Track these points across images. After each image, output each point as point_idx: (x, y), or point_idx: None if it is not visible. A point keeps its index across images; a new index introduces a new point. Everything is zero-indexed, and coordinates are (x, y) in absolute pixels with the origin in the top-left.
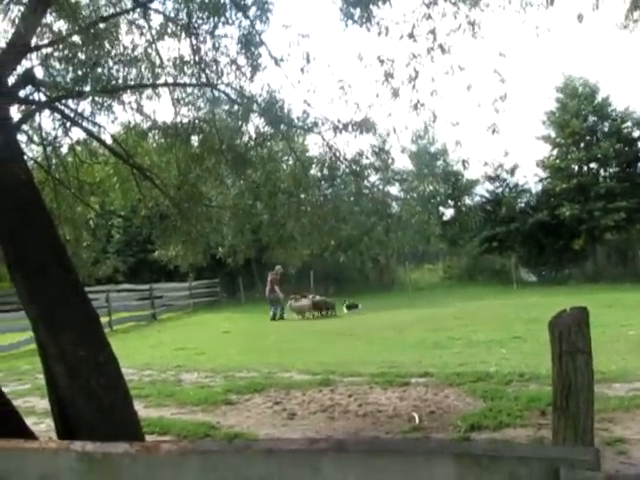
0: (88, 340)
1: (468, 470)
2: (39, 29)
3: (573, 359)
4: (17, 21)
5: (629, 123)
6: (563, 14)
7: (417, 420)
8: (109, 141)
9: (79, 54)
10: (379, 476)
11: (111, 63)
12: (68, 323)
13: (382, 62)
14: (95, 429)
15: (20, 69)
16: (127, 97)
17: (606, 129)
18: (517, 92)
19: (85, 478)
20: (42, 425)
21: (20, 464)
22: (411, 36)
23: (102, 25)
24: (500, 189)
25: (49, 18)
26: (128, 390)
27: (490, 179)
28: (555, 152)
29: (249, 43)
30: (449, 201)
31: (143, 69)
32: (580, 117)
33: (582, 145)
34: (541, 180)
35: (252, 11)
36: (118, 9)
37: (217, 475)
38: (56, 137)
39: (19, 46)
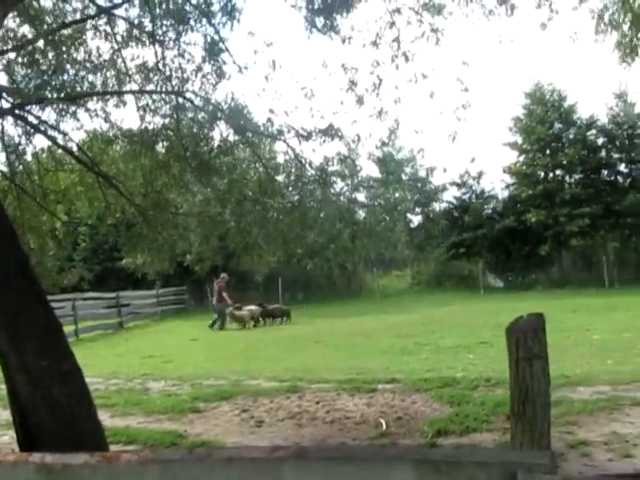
0: (51, 349)
1: (427, 476)
2: (1, 34)
3: (530, 365)
4: None
5: (593, 130)
6: (527, 22)
7: (384, 426)
8: (74, 149)
9: (42, 60)
10: None
11: (75, 70)
12: (30, 332)
13: (346, 70)
14: (58, 440)
15: None
16: (92, 104)
17: (571, 136)
18: (483, 99)
19: None
20: (5, 437)
21: None
22: (374, 44)
23: (66, 31)
24: (467, 195)
25: (12, 23)
26: (92, 400)
27: (457, 185)
28: (521, 158)
29: (214, 51)
30: (416, 208)
31: (108, 76)
32: (546, 124)
33: (548, 152)
34: (507, 186)
35: (217, 18)
36: (83, 15)
37: None
38: (19, 144)
39: None
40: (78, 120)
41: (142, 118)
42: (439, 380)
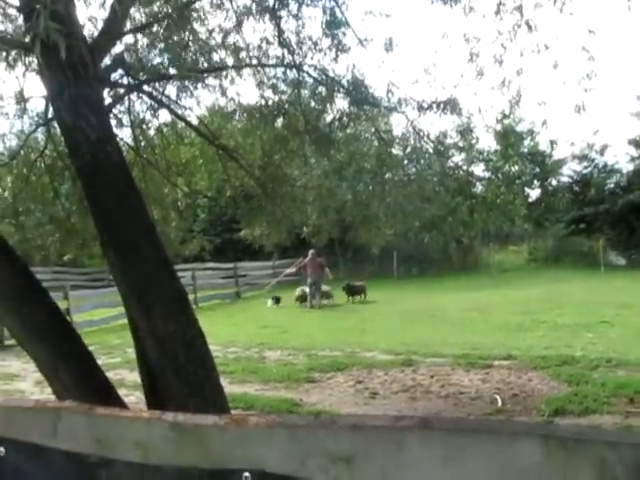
0: (177, 316)
1: (555, 452)
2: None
3: None
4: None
5: None
6: None
7: (500, 403)
8: (195, 123)
9: (165, 38)
10: (464, 454)
11: (197, 46)
12: (158, 298)
13: (467, 41)
14: (183, 402)
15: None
16: (212, 80)
17: None
18: (609, 68)
19: (176, 446)
20: (132, 397)
21: (118, 430)
22: (497, 13)
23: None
24: (589, 169)
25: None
26: (214, 365)
27: (578, 159)
28: None
29: (333, 24)
30: (535, 181)
31: (227, 52)
32: None
33: None
34: (633, 159)
35: None
36: None
37: (303, 448)
38: (144, 120)
39: (109, 35)
40: (198, 95)
41: (261, 93)
42: (557, 358)
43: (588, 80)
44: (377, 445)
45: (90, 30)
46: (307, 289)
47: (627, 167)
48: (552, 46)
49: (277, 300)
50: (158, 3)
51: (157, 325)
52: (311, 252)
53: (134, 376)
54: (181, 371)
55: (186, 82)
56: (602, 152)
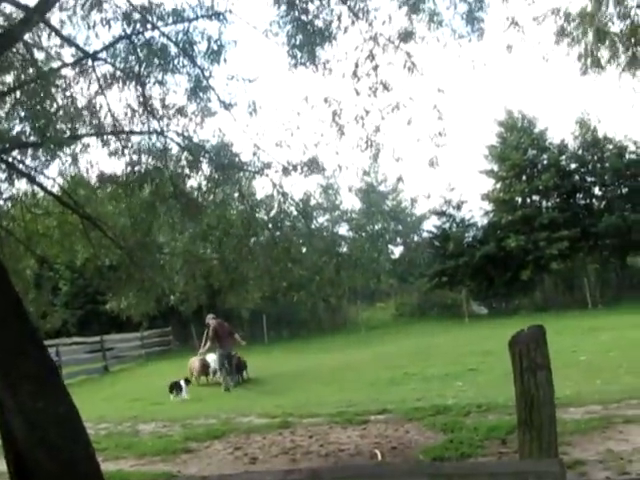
0: (47, 391)
1: None
2: None
3: (534, 375)
4: None
5: (565, 156)
6: (497, 49)
7: (380, 457)
8: (58, 192)
9: (24, 105)
10: None
11: (58, 113)
12: (26, 373)
13: (329, 102)
14: None
15: None
16: (75, 148)
17: (545, 162)
18: (459, 126)
19: None
20: None
21: None
22: (355, 75)
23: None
24: (447, 224)
25: None
26: (89, 441)
27: (437, 214)
28: (499, 185)
29: (198, 89)
30: (397, 238)
31: (91, 119)
32: (520, 150)
33: (524, 178)
34: (487, 213)
35: (201, 59)
36: (63, 61)
37: None
38: (0, 189)
39: None
40: (61, 165)
41: (127, 160)
42: (430, 408)
43: (440, 137)
44: None
45: None
46: (211, 361)
47: (482, 221)
48: (407, 105)
49: (177, 387)
50: (17, 70)
51: (25, 402)
52: (210, 316)
53: None
54: (53, 450)
55: (47, 151)
56: (459, 207)
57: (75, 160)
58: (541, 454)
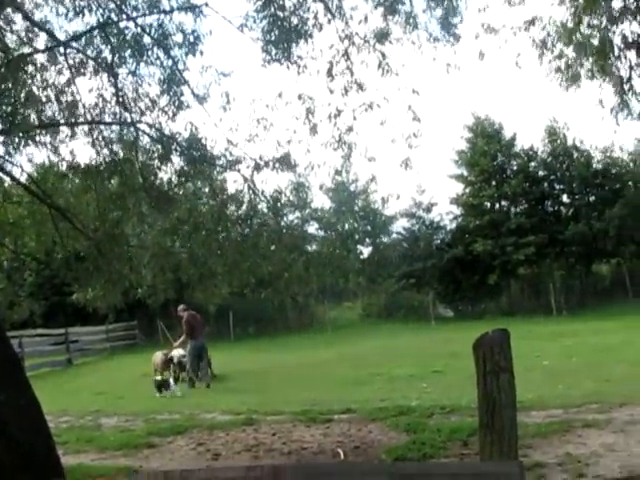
0: (8, 382)
1: None
2: None
3: (497, 378)
4: None
5: (534, 163)
6: (471, 53)
7: (342, 456)
8: (24, 180)
9: None
10: None
11: (27, 101)
12: None
13: (302, 99)
14: (16, 476)
15: None
16: (44, 136)
17: (514, 168)
18: (432, 129)
19: None
20: None
21: None
22: (329, 74)
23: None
24: (417, 226)
25: None
26: (50, 433)
27: (407, 216)
28: (468, 190)
29: (172, 81)
30: (366, 239)
31: (60, 107)
32: (489, 156)
33: (493, 183)
34: (455, 217)
35: (176, 50)
36: (35, 47)
37: None
38: None
39: None
40: (29, 153)
41: (97, 150)
42: (394, 409)
43: (415, 138)
44: None
45: None
46: (176, 356)
47: (451, 224)
48: (380, 105)
49: (163, 385)
50: None
51: None
52: (181, 307)
53: None
54: (13, 442)
55: (16, 138)
56: (429, 210)
57: (44, 149)
58: (501, 456)
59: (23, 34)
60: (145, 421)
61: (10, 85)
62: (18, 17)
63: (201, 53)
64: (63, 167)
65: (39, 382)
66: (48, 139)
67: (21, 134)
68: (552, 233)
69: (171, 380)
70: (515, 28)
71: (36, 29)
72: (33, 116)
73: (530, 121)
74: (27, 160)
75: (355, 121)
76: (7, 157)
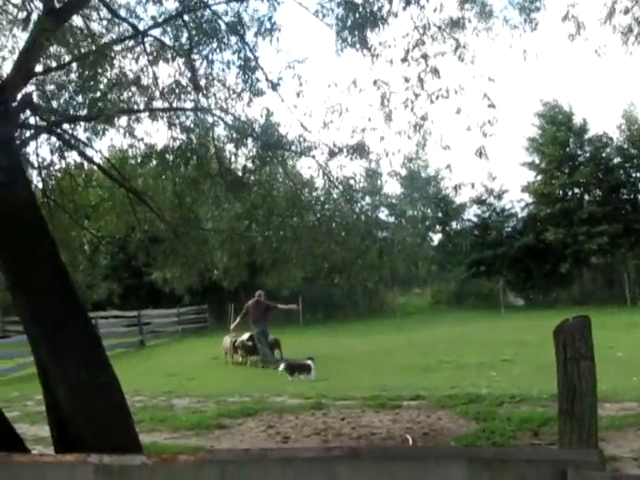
0: (90, 361)
1: (479, 473)
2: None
3: (577, 365)
4: (22, 47)
5: (608, 150)
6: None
7: (411, 442)
8: (105, 165)
9: (76, 79)
10: None
11: (108, 88)
12: (71, 344)
13: (378, 86)
14: (96, 451)
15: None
16: (123, 121)
17: (587, 155)
18: (503, 117)
19: None
20: (34, 452)
21: (38, 477)
22: (405, 60)
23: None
24: (487, 214)
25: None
26: (129, 410)
27: (478, 203)
28: (539, 177)
29: (247, 67)
30: (437, 226)
31: (139, 94)
32: (559, 143)
33: (565, 170)
34: (527, 205)
35: (251, 37)
36: (115, 36)
37: None
38: (52, 161)
39: (23, 72)
40: (109, 137)
41: (173, 135)
42: (463, 397)
43: (490, 126)
44: (308, 477)
45: None
46: (243, 340)
47: (522, 212)
48: (457, 92)
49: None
50: (72, 44)
51: (69, 371)
52: (258, 293)
53: (35, 430)
54: (94, 418)
55: (96, 124)
56: (500, 197)
57: (124, 134)
58: (581, 444)
59: (105, 22)
60: (216, 403)
61: (95, 73)
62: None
63: (277, 40)
64: (141, 152)
65: (114, 362)
66: (125, 123)
67: (103, 120)
68: (628, 222)
69: (311, 362)
70: (599, 18)
71: (114, 18)
72: (115, 102)
73: (603, 108)
74: (107, 145)
75: (431, 107)
76: (88, 143)
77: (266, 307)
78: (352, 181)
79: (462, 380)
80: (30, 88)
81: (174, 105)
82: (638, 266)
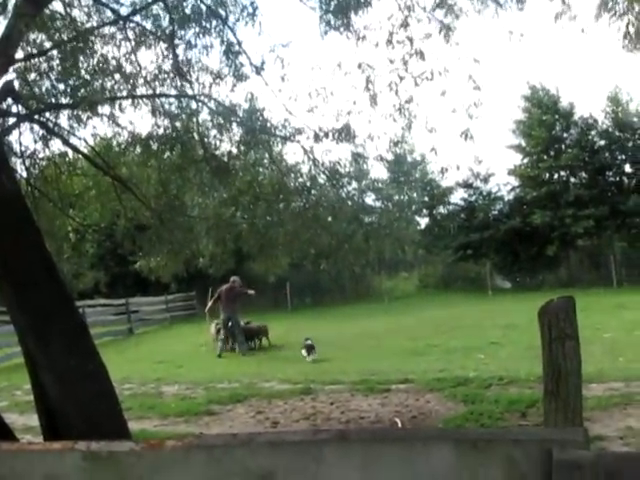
0: (77, 349)
1: (465, 454)
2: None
3: (562, 345)
4: (1, 33)
5: (594, 132)
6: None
7: (400, 425)
8: (89, 153)
9: (57, 66)
10: (380, 462)
11: (90, 75)
12: (58, 333)
13: (362, 69)
14: (85, 439)
15: None
16: (106, 109)
17: (573, 137)
18: (488, 99)
19: (91, 476)
20: (22, 441)
21: (25, 465)
22: (389, 43)
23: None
24: (474, 197)
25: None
26: (117, 398)
27: (464, 187)
28: (525, 160)
29: (230, 52)
30: (423, 210)
31: (122, 81)
32: (545, 126)
33: (552, 153)
34: (513, 188)
35: (234, 20)
36: (97, 22)
37: (222, 468)
38: (35, 150)
39: (3, 58)
40: (92, 125)
41: (157, 122)
42: (452, 380)
43: (475, 107)
44: (296, 460)
45: None
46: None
47: (508, 195)
48: (441, 74)
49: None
50: (52, 30)
51: (56, 360)
52: (232, 279)
53: (24, 419)
54: (82, 406)
55: (79, 111)
56: (486, 180)
57: (108, 121)
58: (566, 424)
59: (86, 9)
60: (205, 389)
61: (76, 59)
62: None
63: (260, 24)
64: (125, 139)
65: (102, 350)
66: (109, 111)
67: (87, 107)
68: (613, 204)
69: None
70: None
71: (95, 4)
72: (97, 89)
73: (588, 91)
74: (91, 133)
75: (416, 90)
76: (72, 131)
77: (237, 294)
78: (338, 166)
79: (450, 363)
80: (11, 75)
81: (157, 92)
82: (624, 248)
